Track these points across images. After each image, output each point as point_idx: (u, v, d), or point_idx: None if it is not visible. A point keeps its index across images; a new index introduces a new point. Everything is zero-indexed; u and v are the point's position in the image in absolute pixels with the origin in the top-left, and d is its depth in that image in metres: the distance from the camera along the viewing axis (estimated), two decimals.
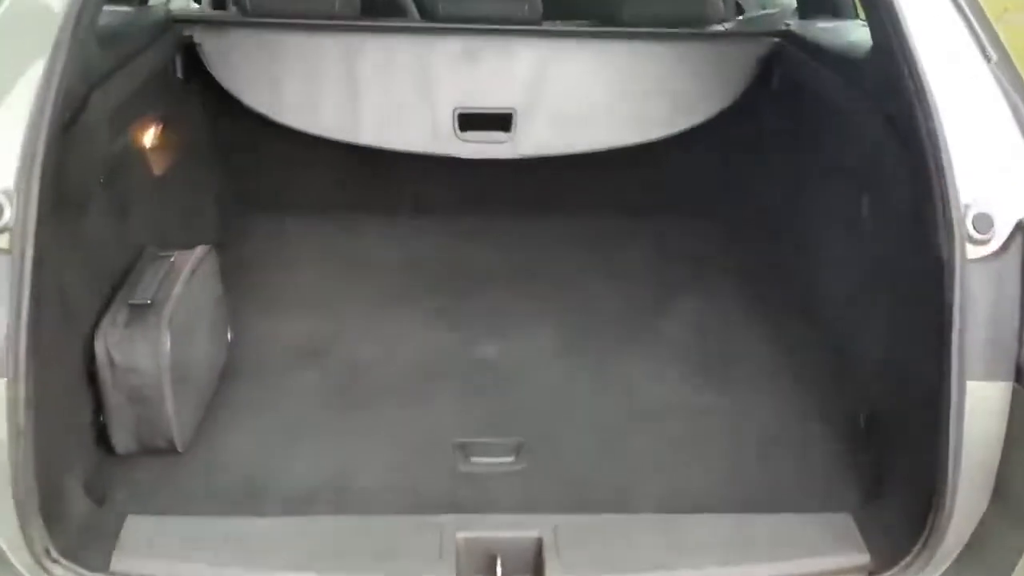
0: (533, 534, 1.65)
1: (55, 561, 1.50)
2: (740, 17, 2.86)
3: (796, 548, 1.64)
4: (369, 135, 2.51)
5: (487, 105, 2.52)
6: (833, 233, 2.20)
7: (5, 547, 1.46)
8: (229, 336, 2.21)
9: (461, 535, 1.65)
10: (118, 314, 1.81)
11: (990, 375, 1.56)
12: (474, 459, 1.91)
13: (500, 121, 2.52)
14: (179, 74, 2.48)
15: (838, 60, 2.16)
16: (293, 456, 1.90)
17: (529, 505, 1.78)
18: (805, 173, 2.40)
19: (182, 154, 2.46)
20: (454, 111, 2.50)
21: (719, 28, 2.64)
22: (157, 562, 1.59)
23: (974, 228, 1.58)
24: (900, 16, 1.67)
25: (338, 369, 2.20)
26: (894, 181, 1.82)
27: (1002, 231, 1.59)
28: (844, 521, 1.71)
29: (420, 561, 1.60)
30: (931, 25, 1.68)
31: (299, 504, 1.77)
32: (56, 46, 1.54)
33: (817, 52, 2.31)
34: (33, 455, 1.47)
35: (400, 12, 2.64)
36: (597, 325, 2.43)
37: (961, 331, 1.55)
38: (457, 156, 2.52)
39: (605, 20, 2.64)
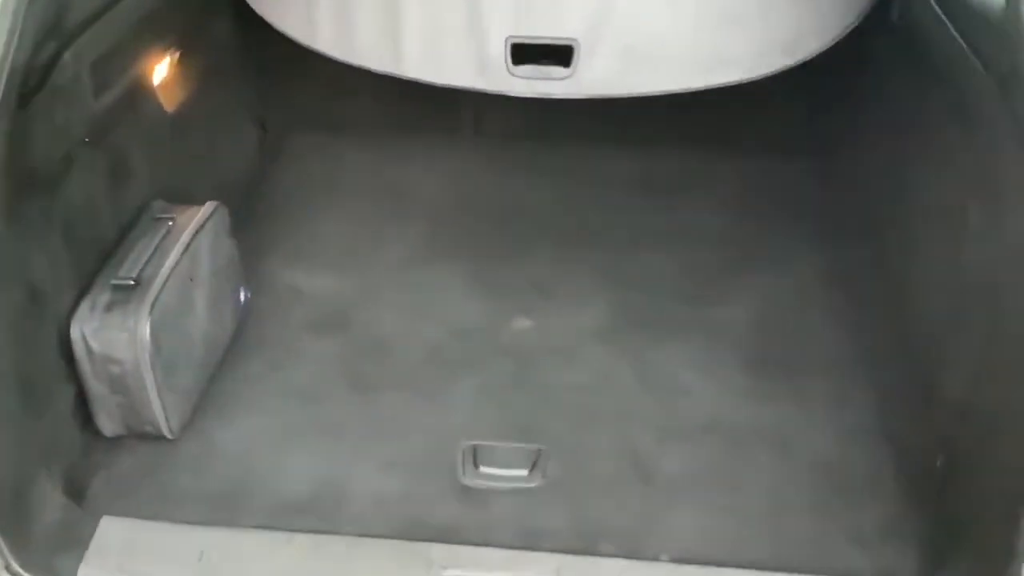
0: None
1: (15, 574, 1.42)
2: None
3: None
4: (411, 67, 2.21)
5: (545, 35, 2.16)
6: (932, 230, 1.82)
7: None
8: (243, 297, 2.05)
9: (448, 572, 1.50)
10: (100, 296, 1.66)
11: None
12: (483, 468, 1.72)
13: (559, 54, 2.17)
14: None
15: (962, 10, 1.72)
16: (287, 454, 1.76)
17: (533, 535, 1.59)
18: (910, 144, 1.99)
19: (206, 82, 2.24)
20: (506, 40, 2.15)
21: None
22: None
23: None
24: None
25: (355, 345, 2.02)
26: (1008, 193, 1.45)
27: None
28: None
29: None
30: None
31: (285, 513, 1.63)
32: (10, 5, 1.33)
33: None
34: None
35: None
36: (650, 303, 2.14)
37: None
38: (509, 93, 2.20)
39: None
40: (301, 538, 1.56)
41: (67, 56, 1.59)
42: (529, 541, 1.58)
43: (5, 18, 1.32)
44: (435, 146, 2.68)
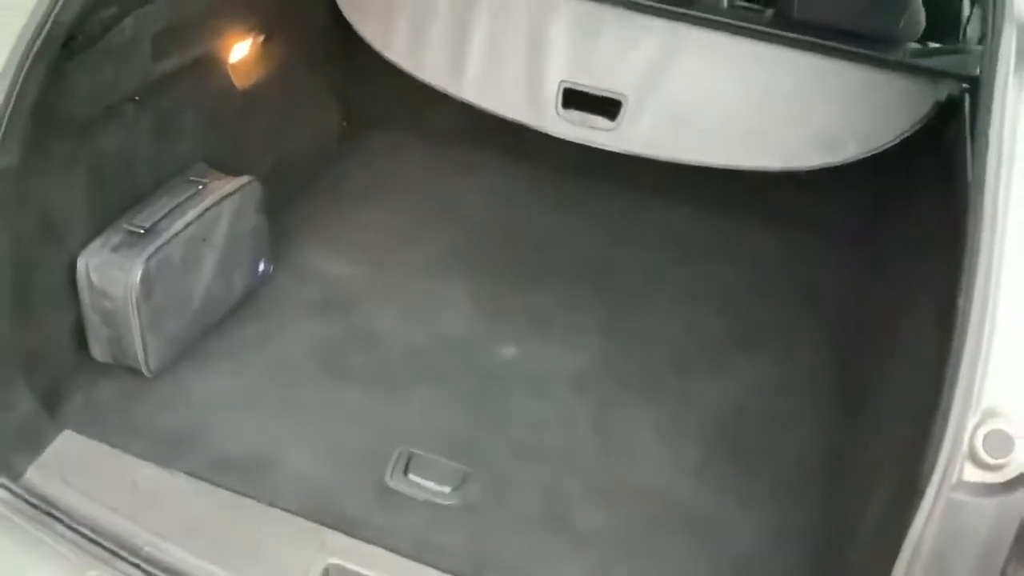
0: None
1: None
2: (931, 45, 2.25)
3: None
4: (469, 91, 2.32)
5: (597, 85, 2.23)
6: (910, 373, 1.75)
7: None
8: (262, 268, 2.21)
9: (333, 560, 1.59)
10: (112, 237, 1.85)
11: None
12: (411, 475, 1.81)
13: (607, 106, 2.23)
14: None
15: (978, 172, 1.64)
16: (241, 416, 1.90)
17: (426, 549, 1.66)
18: (917, 277, 1.92)
19: (289, 68, 2.42)
20: (560, 84, 2.24)
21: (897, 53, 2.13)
22: (64, 488, 1.66)
23: (984, 447, 1.21)
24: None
25: (346, 334, 2.15)
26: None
27: (1021, 461, 1.20)
28: None
29: (281, 570, 1.57)
30: None
31: (217, 467, 1.77)
32: None
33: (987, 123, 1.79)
34: None
35: None
36: (638, 361, 2.17)
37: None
38: (553, 134, 2.27)
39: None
40: (219, 492, 1.70)
41: (128, 21, 1.79)
42: (420, 553, 1.65)
43: None
44: (493, 165, 2.79)
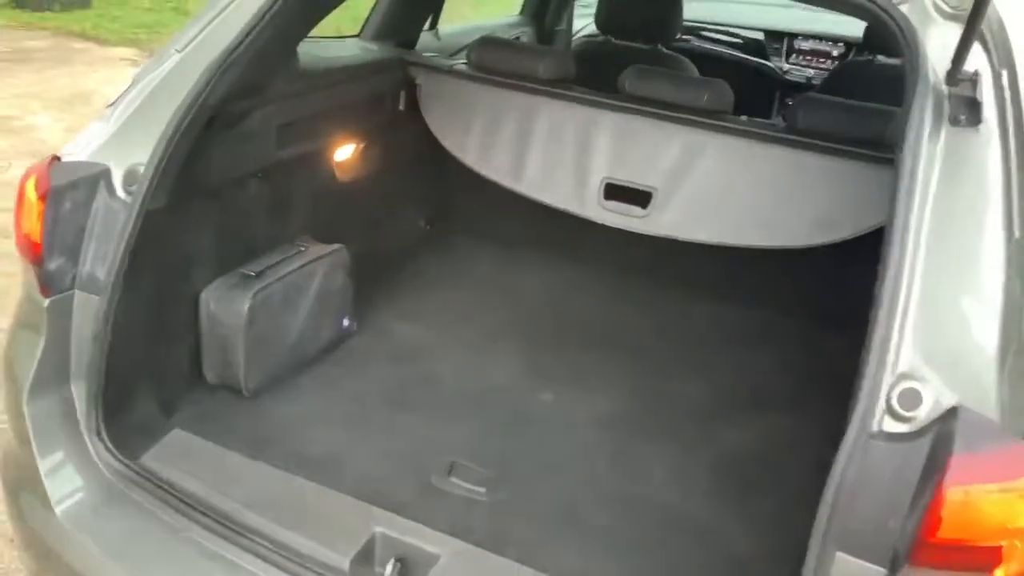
0: (435, 551, 1.87)
1: (101, 439, 2.01)
2: None
3: None
4: (528, 187, 2.80)
5: (632, 180, 2.67)
6: None
7: (80, 416, 2.01)
8: (346, 323, 2.64)
9: (380, 529, 1.91)
10: (230, 278, 2.32)
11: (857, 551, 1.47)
12: (452, 478, 2.13)
13: (640, 197, 2.66)
14: (401, 106, 2.97)
15: None
16: (317, 429, 2.27)
17: (454, 526, 1.96)
18: None
19: (381, 174, 2.94)
20: (602, 180, 2.69)
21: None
22: (170, 468, 2.04)
23: (898, 402, 1.49)
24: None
25: (409, 377, 2.54)
26: None
27: (927, 414, 1.48)
28: None
29: (337, 533, 1.90)
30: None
31: (294, 462, 2.12)
32: (207, 69, 2.05)
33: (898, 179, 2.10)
34: (106, 359, 1.97)
35: (606, 85, 2.86)
36: (660, 413, 2.48)
37: (834, 503, 1.48)
38: (596, 221, 2.70)
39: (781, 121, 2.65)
40: (293, 478, 2.05)
41: (257, 114, 2.32)
42: (452, 530, 1.94)
43: (205, 73, 2.02)
44: (553, 265, 3.22)
